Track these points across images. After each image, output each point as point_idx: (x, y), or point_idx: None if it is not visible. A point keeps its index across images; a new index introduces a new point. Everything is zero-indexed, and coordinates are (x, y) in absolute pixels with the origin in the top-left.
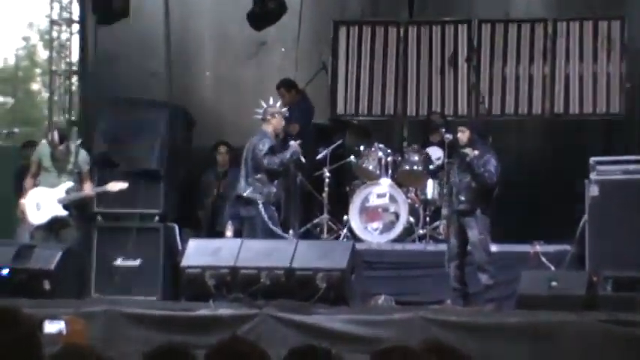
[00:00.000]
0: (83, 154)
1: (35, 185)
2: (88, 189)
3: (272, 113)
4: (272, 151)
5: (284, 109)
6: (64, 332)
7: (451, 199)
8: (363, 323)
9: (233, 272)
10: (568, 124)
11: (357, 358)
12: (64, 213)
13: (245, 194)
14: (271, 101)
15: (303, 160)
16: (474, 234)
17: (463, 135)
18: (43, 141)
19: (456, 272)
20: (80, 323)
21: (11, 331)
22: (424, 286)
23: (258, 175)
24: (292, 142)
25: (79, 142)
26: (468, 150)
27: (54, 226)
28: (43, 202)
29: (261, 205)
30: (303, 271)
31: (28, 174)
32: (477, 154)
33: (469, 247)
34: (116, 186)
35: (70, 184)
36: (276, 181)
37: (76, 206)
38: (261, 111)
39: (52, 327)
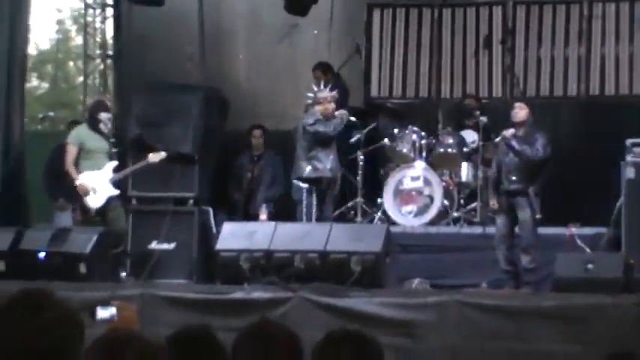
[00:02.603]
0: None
1: (78, 170)
2: (131, 166)
3: (322, 97)
4: (319, 123)
5: (334, 93)
6: (116, 318)
7: (500, 180)
8: (398, 306)
9: (267, 256)
10: (604, 106)
11: (392, 342)
12: (117, 192)
13: (305, 175)
14: (322, 86)
15: (353, 119)
16: (525, 214)
17: (521, 111)
18: (84, 124)
19: (505, 254)
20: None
21: (39, 317)
22: (459, 270)
23: (313, 152)
24: (340, 111)
25: None
26: (505, 132)
27: (107, 207)
28: (97, 186)
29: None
30: (338, 255)
31: (67, 158)
32: (513, 133)
33: (517, 229)
34: (156, 157)
35: (114, 163)
36: (331, 156)
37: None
38: (311, 95)
39: (104, 313)
